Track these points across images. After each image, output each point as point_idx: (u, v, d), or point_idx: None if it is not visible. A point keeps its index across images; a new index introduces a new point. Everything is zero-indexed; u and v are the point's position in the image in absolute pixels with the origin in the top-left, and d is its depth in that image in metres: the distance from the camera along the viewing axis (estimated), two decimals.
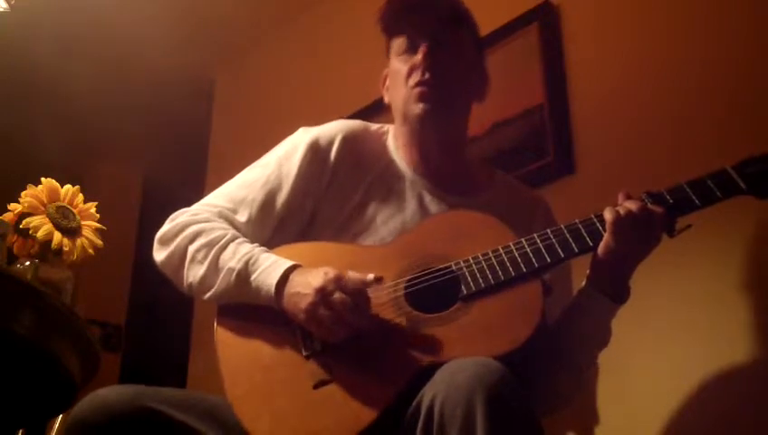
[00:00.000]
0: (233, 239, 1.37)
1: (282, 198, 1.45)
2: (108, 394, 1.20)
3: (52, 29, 3.09)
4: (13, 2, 2.58)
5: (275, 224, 1.45)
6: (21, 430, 1.73)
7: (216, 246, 1.36)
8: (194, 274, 1.37)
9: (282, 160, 1.48)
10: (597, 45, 2.12)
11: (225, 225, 1.42)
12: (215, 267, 1.35)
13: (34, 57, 3.13)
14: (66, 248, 1.56)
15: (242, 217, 1.44)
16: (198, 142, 3.56)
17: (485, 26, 2.36)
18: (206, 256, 1.36)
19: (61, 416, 1.78)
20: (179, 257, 1.39)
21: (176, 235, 1.41)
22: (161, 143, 3.77)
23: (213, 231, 1.38)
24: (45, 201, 1.59)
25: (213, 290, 1.35)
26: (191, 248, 1.38)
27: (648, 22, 2.02)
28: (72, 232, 1.59)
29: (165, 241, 1.43)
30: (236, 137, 3.34)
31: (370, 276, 1.26)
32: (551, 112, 2.13)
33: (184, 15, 3.20)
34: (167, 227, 1.44)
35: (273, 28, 3.31)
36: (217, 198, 1.48)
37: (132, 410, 1.18)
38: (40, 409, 1.58)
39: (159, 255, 1.44)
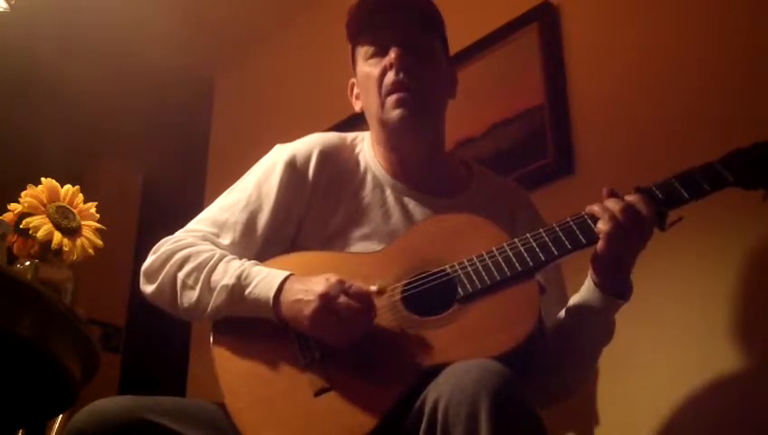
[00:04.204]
0: (221, 259, 1.36)
1: (263, 218, 1.45)
2: (106, 405, 1.20)
3: (52, 29, 3.10)
4: (13, 2, 2.58)
5: (260, 245, 1.44)
6: (21, 430, 1.73)
7: (206, 268, 1.35)
8: (188, 299, 1.36)
9: (261, 181, 1.48)
10: (597, 45, 2.12)
11: (210, 246, 1.41)
12: (207, 289, 1.34)
13: (35, 57, 3.14)
14: (66, 248, 1.56)
15: (225, 240, 1.43)
16: (198, 142, 3.56)
17: (485, 26, 2.39)
18: (197, 280, 1.35)
19: (61, 416, 1.78)
20: (170, 286, 1.38)
21: (162, 265, 1.40)
22: (161, 143, 3.77)
23: (200, 254, 1.38)
24: (45, 201, 1.59)
25: (208, 310, 1.33)
26: (180, 275, 1.37)
27: (648, 22, 2.03)
28: (71, 232, 1.59)
29: (151, 273, 1.42)
30: (236, 137, 3.34)
31: (373, 288, 1.26)
32: (551, 113, 2.13)
33: (184, 16, 3.20)
34: (151, 259, 1.42)
35: (272, 28, 3.31)
36: (199, 223, 1.47)
37: (130, 422, 1.17)
38: (40, 409, 1.58)
39: (148, 288, 1.42)
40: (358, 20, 1.49)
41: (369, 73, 1.46)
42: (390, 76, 1.43)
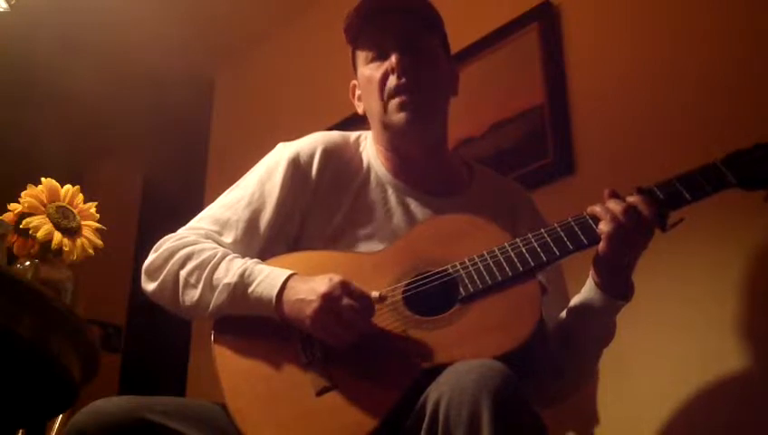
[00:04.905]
0: (224, 257, 1.36)
1: (266, 217, 1.44)
2: (106, 406, 1.20)
3: (52, 29, 3.10)
4: (13, 2, 2.58)
5: (262, 243, 1.44)
6: (21, 430, 1.73)
7: (208, 267, 1.35)
8: (190, 298, 1.35)
9: (264, 179, 1.48)
10: (597, 45, 2.12)
11: (213, 244, 1.41)
12: (209, 287, 1.33)
13: (35, 57, 3.14)
14: (66, 248, 1.56)
15: (228, 238, 1.43)
16: (198, 142, 3.56)
17: (485, 26, 2.38)
18: (199, 279, 1.35)
19: (61, 416, 1.78)
20: (172, 284, 1.38)
21: (164, 263, 1.39)
22: (161, 143, 3.77)
23: (202, 252, 1.37)
24: (45, 201, 1.59)
25: (210, 308, 1.33)
26: (183, 273, 1.36)
27: (648, 22, 2.02)
28: (71, 232, 1.59)
29: (153, 271, 1.41)
30: (236, 137, 3.34)
31: (375, 294, 1.26)
32: (551, 112, 2.13)
33: (184, 15, 3.20)
34: (152, 256, 1.42)
35: (273, 28, 3.31)
36: (202, 221, 1.47)
37: (130, 422, 1.18)
38: (40, 409, 1.58)
39: (150, 285, 1.41)
40: (356, 24, 1.49)
41: (371, 77, 1.46)
42: (393, 81, 1.43)
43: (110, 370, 3.62)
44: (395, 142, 1.48)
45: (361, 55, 1.50)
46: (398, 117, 1.43)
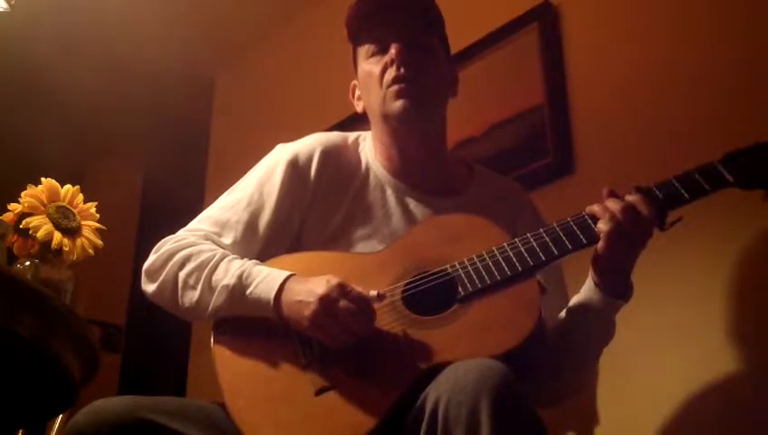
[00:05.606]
0: (222, 258, 1.36)
1: (265, 218, 1.45)
2: (106, 405, 1.20)
3: (52, 29, 3.09)
4: (13, 2, 2.58)
5: (261, 244, 1.45)
6: (21, 431, 1.73)
7: (207, 268, 1.35)
8: (189, 299, 1.36)
9: (263, 181, 1.48)
10: (597, 45, 2.12)
11: (212, 246, 1.41)
12: (208, 288, 1.34)
13: (35, 57, 3.13)
14: (66, 248, 1.56)
15: (227, 239, 1.43)
16: (198, 142, 3.56)
17: (485, 26, 2.39)
18: (198, 280, 1.35)
19: (61, 416, 1.78)
20: (171, 286, 1.38)
21: (163, 264, 1.40)
22: (161, 143, 3.77)
23: (201, 254, 1.38)
24: (45, 201, 1.59)
25: (209, 310, 1.34)
26: (182, 274, 1.37)
27: (648, 22, 2.03)
28: (71, 232, 1.59)
29: (153, 272, 1.42)
30: (236, 137, 3.34)
31: (373, 293, 1.26)
32: (551, 112, 2.13)
33: (184, 15, 3.20)
34: (152, 258, 1.42)
35: (273, 28, 3.31)
36: (201, 223, 1.47)
37: (130, 422, 1.18)
38: (40, 409, 1.58)
39: (150, 287, 1.42)
40: (358, 18, 1.50)
41: (371, 71, 1.46)
42: (392, 72, 1.43)
43: (110, 370, 3.61)
44: (395, 136, 1.48)
45: (362, 51, 1.50)
46: (396, 104, 1.43)
